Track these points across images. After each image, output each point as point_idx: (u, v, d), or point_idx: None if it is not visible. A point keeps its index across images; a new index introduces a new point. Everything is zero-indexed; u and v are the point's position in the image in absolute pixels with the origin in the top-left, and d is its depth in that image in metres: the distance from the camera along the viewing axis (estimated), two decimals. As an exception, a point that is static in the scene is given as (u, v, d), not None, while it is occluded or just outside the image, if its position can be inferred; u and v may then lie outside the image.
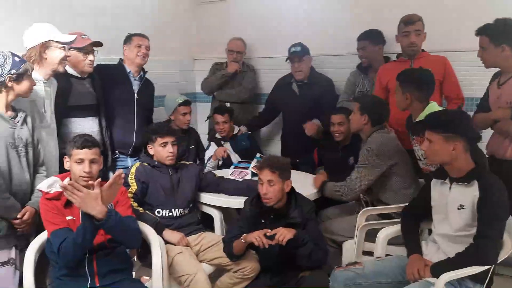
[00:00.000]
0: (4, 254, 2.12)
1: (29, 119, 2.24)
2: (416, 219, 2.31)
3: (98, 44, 2.69)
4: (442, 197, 2.10)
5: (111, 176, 2.03)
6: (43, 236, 2.09)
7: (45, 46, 2.34)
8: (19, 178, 2.16)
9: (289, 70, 3.64)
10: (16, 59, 2.10)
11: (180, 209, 2.62)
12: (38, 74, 2.35)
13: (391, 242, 2.40)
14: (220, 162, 3.53)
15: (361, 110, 2.67)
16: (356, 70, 3.52)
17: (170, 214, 2.60)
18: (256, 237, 2.15)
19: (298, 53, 3.48)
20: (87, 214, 1.86)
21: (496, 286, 2.08)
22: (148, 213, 2.52)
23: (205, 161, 3.48)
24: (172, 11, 4.22)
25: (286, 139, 3.85)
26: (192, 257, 2.44)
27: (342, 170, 3.19)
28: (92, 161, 2.09)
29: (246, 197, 2.49)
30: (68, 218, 2.04)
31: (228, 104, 3.84)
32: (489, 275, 1.93)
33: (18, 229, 2.14)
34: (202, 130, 4.20)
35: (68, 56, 2.40)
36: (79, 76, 2.72)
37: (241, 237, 2.24)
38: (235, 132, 3.67)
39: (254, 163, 3.10)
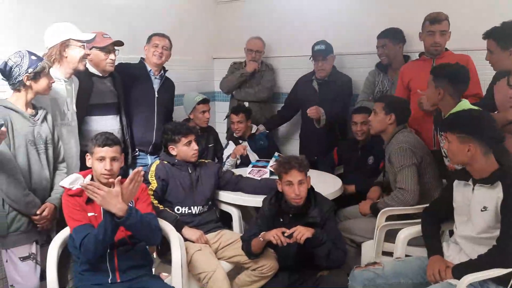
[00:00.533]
0: (25, 249, 2.16)
1: (49, 117, 2.28)
2: (437, 220, 2.27)
3: (119, 43, 2.72)
4: (464, 198, 2.07)
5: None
6: (65, 232, 2.13)
7: (65, 45, 2.37)
8: (38, 175, 2.20)
9: (308, 69, 3.62)
10: (33, 57, 2.13)
11: (199, 207, 2.64)
12: (59, 72, 2.39)
13: (411, 243, 2.37)
14: (239, 161, 3.54)
15: (386, 109, 2.63)
16: (375, 69, 3.48)
17: (189, 211, 2.62)
18: (274, 235, 2.15)
19: (323, 52, 3.46)
20: (108, 212, 1.88)
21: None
22: (168, 210, 2.54)
23: (224, 160, 3.49)
24: (192, 11, 4.25)
25: (304, 137, 3.84)
26: (211, 254, 2.46)
27: (362, 169, 3.19)
28: (113, 159, 2.12)
29: (265, 196, 2.49)
30: (89, 214, 2.08)
31: (246, 103, 3.85)
32: (512, 278, 1.89)
33: (38, 225, 2.19)
34: (221, 129, 4.21)
35: (88, 55, 2.43)
36: (101, 75, 2.75)
37: (260, 236, 2.24)
38: (253, 131, 3.68)
39: (272, 162, 3.09)
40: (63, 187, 2.12)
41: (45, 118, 2.25)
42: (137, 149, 3.07)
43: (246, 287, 2.44)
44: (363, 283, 2.10)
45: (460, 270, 1.93)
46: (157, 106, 3.10)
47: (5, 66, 2.09)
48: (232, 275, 2.49)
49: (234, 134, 3.64)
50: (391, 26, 3.35)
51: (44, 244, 2.23)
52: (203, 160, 2.82)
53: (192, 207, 2.62)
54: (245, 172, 3.05)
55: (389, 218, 2.53)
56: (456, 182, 2.14)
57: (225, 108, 4.24)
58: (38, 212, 2.16)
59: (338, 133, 3.58)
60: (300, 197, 2.25)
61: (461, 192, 2.10)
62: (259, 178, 2.90)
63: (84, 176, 2.16)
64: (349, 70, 3.72)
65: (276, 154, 3.31)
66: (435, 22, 2.88)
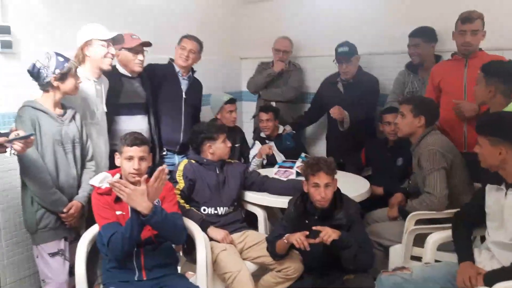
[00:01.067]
0: (53, 245, 2.22)
1: (77, 116, 2.32)
2: (468, 225, 2.20)
3: (148, 44, 2.75)
4: (497, 203, 2.00)
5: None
6: (94, 229, 2.17)
7: (87, 44, 2.42)
8: (65, 173, 2.25)
9: (337, 68, 3.58)
10: (60, 58, 2.18)
11: (225, 208, 2.65)
12: (89, 72, 2.44)
13: (441, 248, 2.31)
14: (265, 161, 3.54)
15: (415, 111, 2.56)
16: (404, 69, 3.40)
17: (215, 212, 2.63)
18: (297, 238, 2.14)
19: (346, 54, 3.42)
20: (134, 210, 1.91)
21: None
22: (194, 210, 2.56)
23: (250, 160, 3.49)
24: (220, 11, 4.27)
25: (331, 138, 3.80)
26: (236, 254, 2.46)
27: (390, 171, 3.13)
28: (141, 158, 2.15)
29: (291, 197, 2.48)
30: (118, 213, 2.11)
31: (273, 103, 3.84)
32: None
33: (65, 222, 2.24)
34: (248, 129, 4.22)
35: (112, 54, 2.44)
36: (130, 75, 2.80)
37: (284, 237, 2.23)
38: (280, 131, 3.66)
39: (298, 162, 3.07)
40: (92, 185, 2.16)
41: (73, 118, 2.30)
42: (164, 149, 3.10)
43: (270, 289, 2.43)
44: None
45: (492, 278, 1.87)
46: (185, 107, 3.13)
47: (33, 68, 2.15)
48: (257, 276, 2.48)
49: (262, 134, 3.64)
50: (421, 25, 3.26)
51: (73, 241, 2.29)
52: (229, 160, 2.83)
53: (218, 208, 2.63)
54: (271, 172, 3.04)
55: (418, 222, 2.48)
56: (488, 186, 2.07)
57: (252, 108, 4.25)
58: (65, 210, 2.21)
59: (365, 135, 3.52)
60: (325, 200, 2.23)
61: (493, 196, 2.03)
62: (285, 179, 2.89)
63: (113, 175, 2.20)
64: (376, 70, 3.66)
65: (303, 154, 3.29)
66: (467, 21, 2.78)
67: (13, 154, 1.86)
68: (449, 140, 2.58)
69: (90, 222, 2.21)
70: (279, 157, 3.54)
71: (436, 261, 2.29)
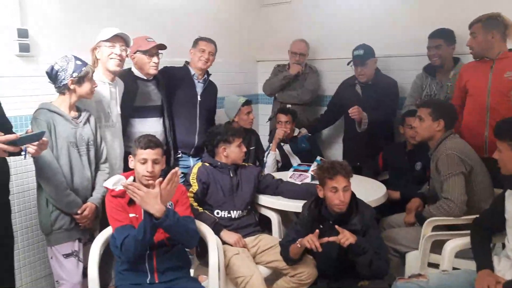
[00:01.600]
0: (67, 246, 2.24)
1: (92, 119, 2.35)
2: (487, 231, 2.14)
3: (162, 46, 2.76)
4: (518, 209, 1.94)
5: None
6: (108, 231, 2.18)
7: (97, 47, 2.45)
8: (80, 175, 2.27)
9: (353, 71, 3.54)
10: (78, 62, 2.21)
11: (238, 211, 2.63)
12: (103, 76, 2.46)
13: (459, 255, 2.26)
14: (280, 164, 3.52)
15: (434, 115, 2.51)
16: (422, 72, 3.34)
17: (229, 215, 2.61)
18: (309, 239, 2.11)
19: (361, 57, 3.38)
20: (147, 212, 1.92)
21: None
22: (207, 213, 2.56)
23: (265, 162, 3.47)
24: (236, 14, 4.27)
25: (348, 142, 3.76)
26: (248, 259, 2.44)
27: (409, 176, 3.08)
28: (154, 161, 2.15)
29: (305, 201, 2.45)
30: (131, 215, 2.11)
31: (289, 106, 3.82)
32: None
33: (79, 224, 2.26)
34: (263, 131, 4.21)
35: (117, 54, 2.43)
36: (145, 78, 2.81)
37: (297, 242, 2.21)
38: (295, 134, 3.64)
39: (314, 166, 3.04)
40: (106, 188, 2.17)
41: (87, 120, 2.32)
42: (179, 151, 3.10)
43: (284, 294, 2.40)
44: (406, 295, 2.01)
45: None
46: (200, 110, 3.13)
47: (51, 70, 2.19)
48: (270, 280, 2.46)
49: (277, 137, 3.59)
50: (439, 26, 3.21)
51: (87, 242, 2.30)
52: (243, 163, 2.81)
53: (231, 211, 2.62)
54: (286, 176, 3.02)
55: (435, 228, 2.42)
56: (508, 192, 2.01)
57: (268, 111, 4.24)
58: (79, 211, 2.23)
59: (383, 138, 3.47)
60: (344, 204, 2.19)
61: (514, 203, 1.97)
62: (299, 183, 2.86)
63: (127, 177, 2.21)
64: (395, 73, 3.61)
65: (318, 158, 3.26)
66: (470, 27, 2.73)
67: (29, 156, 1.88)
68: (468, 144, 2.52)
69: (104, 223, 2.22)
70: (294, 160, 3.51)
71: (454, 268, 2.23)
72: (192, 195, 2.55)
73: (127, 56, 2.53)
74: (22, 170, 2.50)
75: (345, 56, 3.53)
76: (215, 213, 2.60)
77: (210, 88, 3.25)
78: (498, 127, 2.02)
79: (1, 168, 1.92)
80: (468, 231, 2.20)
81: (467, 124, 2.75)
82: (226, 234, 2.51)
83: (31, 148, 1.84)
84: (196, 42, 3.13)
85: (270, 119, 4.04)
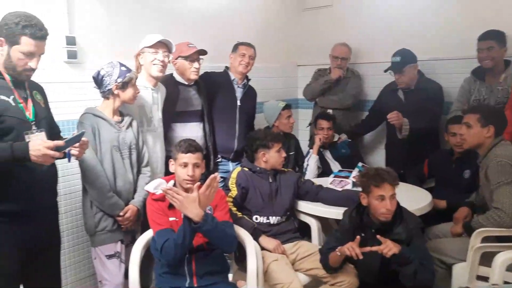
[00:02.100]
0: (110, 247, 2.29)
1: (134, 123, 2.40)
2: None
3: (203, 52, 2.79)
4: None
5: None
6: (149, 234, 2.22)
7: (140, 53, 2.50)
8: (122, 178, 2.32)
9: (395, 76, 3.45)
10: (123, 68, 2.28)
11: (277, 217, 2.61)
12: (145, 81, 2.52)
13: (511, 268, 2.13)
14: (320, 170, 3.46)
15: (482, 121, 2.39)
16: (470, 76, 3.19)
17: (268, 221, 2.59)
18: (349, 247, 2.06)
19: (398, 64, 3.30)
20: (186, 217, 1.93)
21: None
22: (246, 218, 2.55)
23: (304, 167, 3.43)
24: (277, 18, 4.26)
25: (391, 148, 3.65)
26: (287, 265, 2.41)
27: (455, 183, 2.95)
28: (195, 165, 2.17)
29: (346, 208, 2.39)
30: (171, 219, 2.13)
31: (330, 111, 3.76)
32: None
33: (121, 226, 2.31)
34: (303, 137, 4.17)
35: (160, 60, 2.47)
36: (186, 83, 2.84)
37: (337, 250, 2.16)
38: (335, 139, 3.57)
39: (355, 172, 2.98)
40: (147, 191, 2.21)
41: (130, 125, 2.37)
42: (219, 156, 3.12)
43: (323, 302, 2.35)
44: (453, 309, 1.92)
45: None
46: (239, 114, 3.14)
47: (98, 75, 2.27)
48: (309, 288, 2.42)
49: (318, 140, 3.52)
50: (487, 28, 3.06)
51: (129, 244, 2.35)
52: (283, 168, 2.78)
53: (270, 217, 2.60)
54: (326, 182, 2.97)
55: (485, 239, 2.30)
56: None
57: (308, 116, 4.19)
58: (121, 213, 2.28)
59: (427, 145, 3.34)
60: (390, 213, 2.13)
61: None
62: (340, 189, 2.80)
63: (167, 181, 2.24)
64: (440, 77, 3.48)
65: (360, 164, 3.19)
66: None
67: (73, 159, 1.93)
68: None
69: (146, 226, 2.25)
70: (335, 166, 3.45)
71: (505, 282, 2.11)
72: (231, 200, 2.55)
73: (169, 62, 2.57)
74: (68, 173, 2.59)
75: (388, 59, 3.43)
76: (253, 218, 2.59)
77: (250, 93, 3.26)
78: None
79: (49, 171, 1.98)
80: (522, 244, 2.08)
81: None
82: (265, 240, 2.48)
83: (74, 150, 1.90)
84: (236, 47, 3.15)
85: (310, 124, 4.00)
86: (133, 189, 2.37)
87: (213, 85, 3.07)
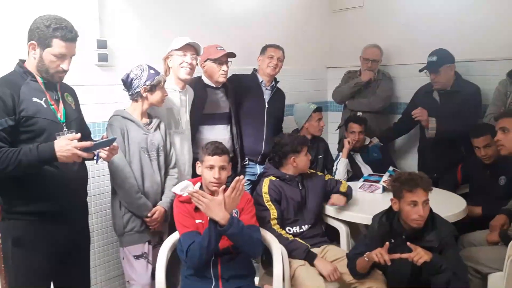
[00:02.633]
0: (138, 248, 2.32)
1: (162, 125, 2.42)
2: None
3: (232, 55, 2.78)
4: None
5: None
6: (176, 235, 2.23)
7: (168, 56, 2.53)
8: (150, 179, 2.34)
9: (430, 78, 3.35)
10: (151, 71, 2.30)
11: (309, 225, 2.57)
12: (173, 84, 2.53)
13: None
14: (350, 174, 3.40)
15: None
16: (506, 78, 3.06)
17: (301, 230, 2.56)
18: (377, 253, 2.01)
19: (433, 64, 3.20)
20: (212, 220, 1.93)
21: None
22: (299, 240, 2.44)
23: (334, 172, 3.38)
24: (306, 20, 4.22)
25: (425, 152, 3.54)
26: (315, 270, 2.36)
27: (491, 190, 2.83)
28: (221, 168, 2.17)
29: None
30: (197, 221, 2.14)
31: (360, 114, 3.69)
32: None
33: (149, 227, 2.32)
34: (332, 140, 4.10)
35: (188, 62, 2.48)
36: (214, 86, 2.85)
37: (365, 255, 2.10)
38: (366, 143, 3.50)
39: (386, 177, 2.92)
40: (174, 193, 2.22)
41: (158, 127, 2.39)
42: (246, 158, 3.10)
43: (350, 309, 2.30)
44: (488, 322, 1.83)
45: None
46: (267, 117, 3.11)
47: (127, 78, 2.30)
48: (336, 294, 2.37)
49: (347, 143, 3.46)
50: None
51: (157, 245, 2.36)
52: (306, 172, 2.73)
53: (303, 226, 2.57)
54: (356, 186, 2.91)
55: (523, 249, 2.19)
56: None
57: (337, 119, 4.13)
58: (149, 214, 2.30)
59: (463, 149, 3.22)
60: (422, 219, 2.06)
61: None
62: (370, 193, 2.74)
63: (194, 184, 2.24)
64: (479, 78, 3.36)
65: (391, 168, 3.12)
66: None
67: (101, 161, 1.96)
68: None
69: (173, 227, 2.26)
70: (366, 170, 3.38)
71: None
72: (275, 222, 2.44)
73: (197, 64, 2.58)
74: (98, 174, 2.64)
75: (422, 61, 3.34)
76: (286, 229, 2.52)
77: (278, 95, 3.24)
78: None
79: (80, 171, 2.02)
80: None
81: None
82: (320, 264, 2.35)
83: (103, 153, 1.93)
84: (264, 49, 3.14)
85: (339, 127, 3.94)
86: (160, 191, 2.39)
87: (241, 88, 3.06)
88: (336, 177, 3.28)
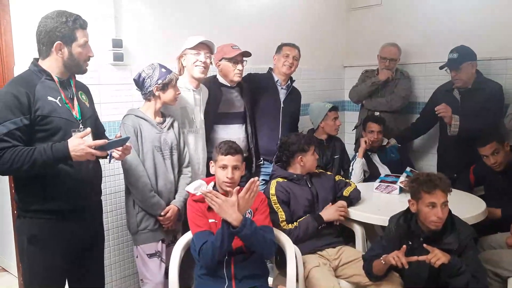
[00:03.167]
0: (151, 247, 2.32)
1: (176, 124, 2.42)
2: None
3: (247, 54, 2.77)
4: None
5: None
6: (189, 235, 2.22)
7: (182, 55, 2.52)
8: (164, 178, 2.34)
9: (449, 76, 3.28)
10: (163, 70, 2.30)
11: (322, 224, 2.53)
12: (187, 83, 2.53)
13: None
14: (367, 174, 3.35)
15: None
16: None
17: None
18: (394, 256, 1.97)
19: (454, 61, 3.13)
20: (225, 221, 1.91)
21: None
22: (301, 220, 2.46)
23: (350, 172, 3.33)
24: (323, 19, 4.18)
25: (444, 152, 3.46)
26: (329, 271, 2.34)
27: (504, 193, 2.74)
28: (235, 167, 2.15)
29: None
30: (210, 221, 2.13)
31: (377, 113, 3.64)
32: None
33: (163, 225, 2.33)
34: (348, 140, 4.06)
35: (201, 61, 2.47)
36: (229, 85, 2.84)
37: (381, 258, 2.06)
38: (384, 143, 3.44)
39: (403, 177, 2.86)
40: (188, 192, 2.21)
41: (171, 126, 2.39)
42: (261, 158, 3.08)
43: (366, 312, 2.26)
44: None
45: None
46: (282, 116, 3.09)
47: (139, 77, 2.31)
48: (351, 296, 2.33)
49: (364, 143, 3.40)
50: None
51: (170, 244, 2.37)
52: (315, 171, 2.68)
53: None
54: (372, 187, 2.86)
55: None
56: None
57: (354, 118, 4.08)
58: (162, 213, 2.30)
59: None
60: (441, 221, 2.01)
61: None
62: (387, 194, 2.69)
63: (208, 183, 2.23)
64: (501, 77, 3.29)
65: (408, 169, 3.06)
66: None
67: (113, 160, 1.97)
68: None
69: (187, 226, 2.26)
70: (383, 170, 3.32)
71: None
72: (284, 223, 2.44)
73: (211, 63, 2.58)
74: (113, 172, 2.65)
75: (442, 60, 3.27)
76: None
77: (294, 95, 3.21)
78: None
79: (94, 169, 2.02)
80: None
81: None
82: (325, 214, 2.49)
83: (116, 153, 1.93)
84: (280, 48, 3.11)
85: (356, 127, 3.88)
86: (174, 189, 2.39)
87: (256, 87, 3.04)
88: (352, 177, 3.25)
